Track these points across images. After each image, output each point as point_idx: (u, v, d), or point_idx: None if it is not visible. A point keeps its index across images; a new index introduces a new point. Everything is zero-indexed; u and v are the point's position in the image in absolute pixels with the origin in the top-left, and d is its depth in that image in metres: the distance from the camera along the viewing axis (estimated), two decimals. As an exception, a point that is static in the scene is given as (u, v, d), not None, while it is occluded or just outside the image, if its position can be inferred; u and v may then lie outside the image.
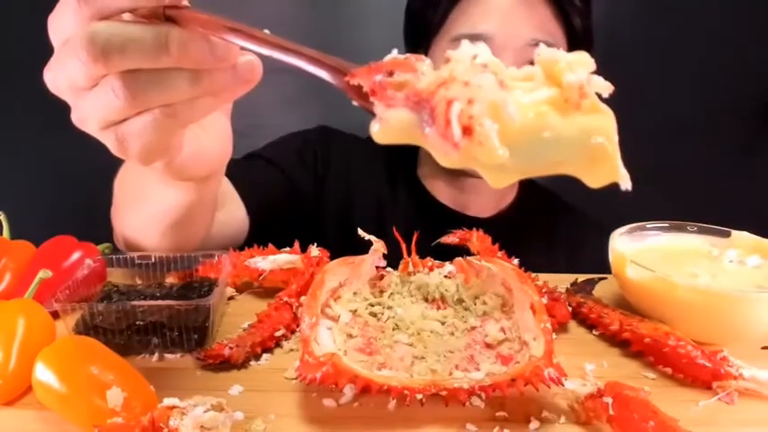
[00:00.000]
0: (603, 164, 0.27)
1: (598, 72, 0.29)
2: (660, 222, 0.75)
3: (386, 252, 0.67)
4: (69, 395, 0.48)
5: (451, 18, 0.87)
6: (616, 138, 0.28)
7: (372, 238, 0.66)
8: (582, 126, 0.27)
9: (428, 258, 0.69)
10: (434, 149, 0.29)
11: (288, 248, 0.75)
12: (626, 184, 0.30)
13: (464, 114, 0.26)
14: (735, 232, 0.72)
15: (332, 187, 0.99)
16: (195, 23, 0.36)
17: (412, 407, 0.49)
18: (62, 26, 0.39)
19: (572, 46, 0.88)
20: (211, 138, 0.53)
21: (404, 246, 0.68)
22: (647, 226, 0.74)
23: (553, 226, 1.07)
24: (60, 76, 0.40)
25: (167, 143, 0.45)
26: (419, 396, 0.48)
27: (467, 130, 0.26)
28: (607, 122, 0.28)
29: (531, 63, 0.35)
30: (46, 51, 0.41)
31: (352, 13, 1.28)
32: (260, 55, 0.38)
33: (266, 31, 0.37)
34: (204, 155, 0.53)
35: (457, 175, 0.96)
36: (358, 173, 1.01)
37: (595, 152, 0.27)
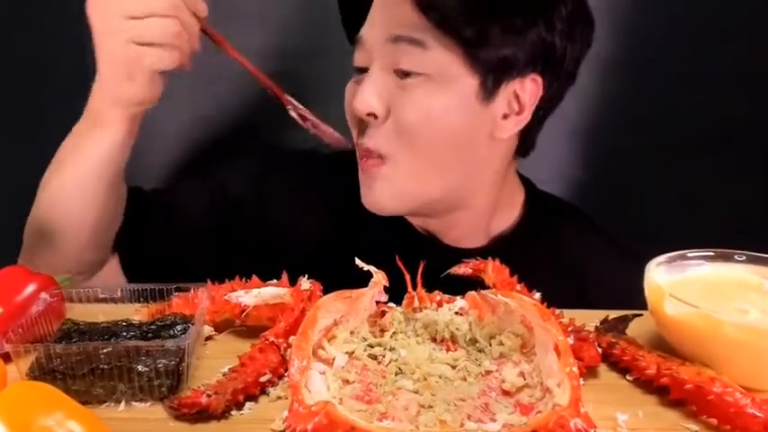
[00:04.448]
0: None
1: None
2: (703, 250, 0.74)
3: (387, 284, 0.67)
4: (22, 450, 0.48)
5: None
6: None
7: (372, 268, 0.67)
8: None
9: (436, 292, 0.70)
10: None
11: (275, 281, 0.75)
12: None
13: None
14: (791, 263, 0.73)
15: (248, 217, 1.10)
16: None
17: (418, 463, 0.49)
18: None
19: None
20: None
21: (408, 278, 0.69)
22: (689, 255, 0.74)
23: (564, 254, 1.04)
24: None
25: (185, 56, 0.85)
26: (426, 451, 0.49)
27: None
28: None
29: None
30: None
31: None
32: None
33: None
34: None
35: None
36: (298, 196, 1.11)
37: None
